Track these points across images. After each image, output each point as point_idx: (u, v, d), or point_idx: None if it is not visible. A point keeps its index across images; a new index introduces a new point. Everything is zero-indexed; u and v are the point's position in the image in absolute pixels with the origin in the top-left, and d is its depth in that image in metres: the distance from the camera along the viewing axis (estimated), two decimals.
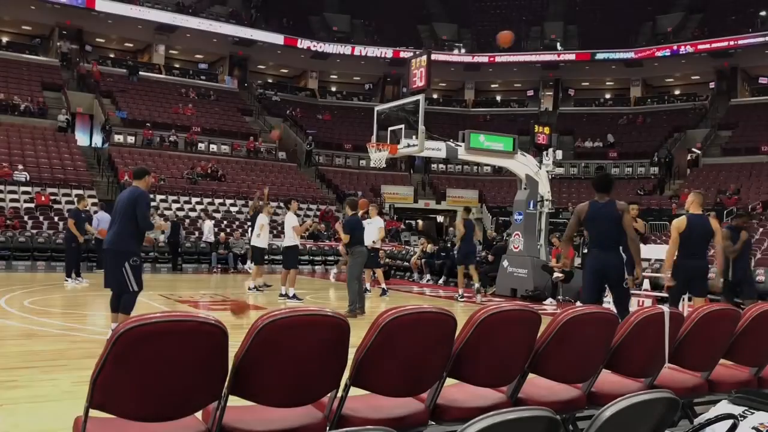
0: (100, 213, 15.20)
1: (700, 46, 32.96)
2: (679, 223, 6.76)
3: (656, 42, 34.83)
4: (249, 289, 12.37)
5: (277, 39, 34.53)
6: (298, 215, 15.67)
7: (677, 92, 37.19)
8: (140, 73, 32.59)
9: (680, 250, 6.66)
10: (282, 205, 22.51)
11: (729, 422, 1.98)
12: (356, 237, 9.52)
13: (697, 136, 31.57)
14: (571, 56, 36.19)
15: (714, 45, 32.49)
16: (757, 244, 17.64)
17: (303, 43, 34.93)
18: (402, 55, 33.40)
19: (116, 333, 2.23)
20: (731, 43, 31.89)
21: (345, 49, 35.90)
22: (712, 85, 35.09)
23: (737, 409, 2.40)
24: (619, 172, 30.76)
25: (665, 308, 3.50)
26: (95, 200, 19.85)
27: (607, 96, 38.66)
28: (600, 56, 35.26)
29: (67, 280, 12.67)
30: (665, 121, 34.00)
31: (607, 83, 38.43)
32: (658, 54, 34.11)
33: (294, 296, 11.02)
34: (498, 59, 36.76)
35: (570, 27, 38.10)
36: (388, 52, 35.97)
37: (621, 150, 32.02)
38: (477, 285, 12.55)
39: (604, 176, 6.56)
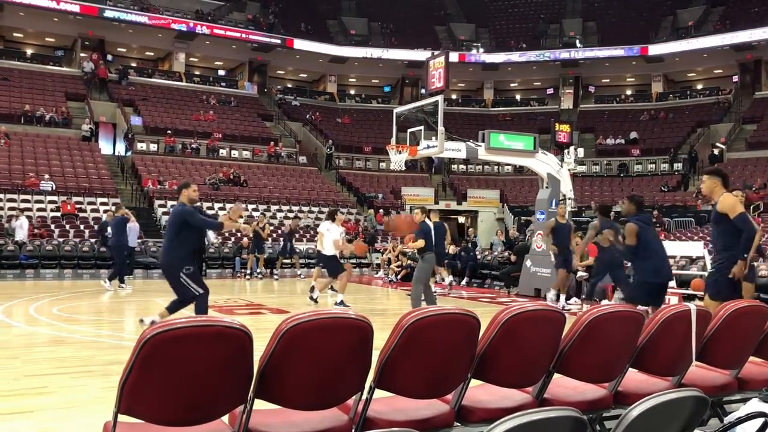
0: (131, 222, 15.36)
1: (702, 42, 32.51)
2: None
3: (677, 36, 34.38)
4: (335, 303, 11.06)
5: (276, 41, 34.69)
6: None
7: (700, 87, 36.60)
8: (156, 80, 33.00)
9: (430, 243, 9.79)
10: (302, 208, 22.60)
11: (760, 421, 1.95)
12: (429, 243, 9.83)
13: (721, 130, 31.08)
14: (577, 54, 35.89)
15: (716, 41, 32.08)
16: None
17: (300, 44, 34.96)
18: (418, 57, 33.37)
19: (143, 338, 2.25)
20: (733, 39, 31.45)
21: (345, 51, 35.86)
22: (735, 78, 34.54)
23: None
24: (642, 169, 30.43)
25: (692, 305, 3.46)
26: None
27: (629, 92, 38.22)
28: (602, 53, 35.05)
29: (122, 286, 13.34)
30: (688, 117, 33.51)
31: (628, 79, 37.97)
32: (658, 51, 33.75)
33: (341, 302, 10.74)
34: (517, 58, 36.58)
35: (589, 23, 37.77)
36: (405, 54, 35.96)
37: (643, 146, 31.59)
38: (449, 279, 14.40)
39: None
